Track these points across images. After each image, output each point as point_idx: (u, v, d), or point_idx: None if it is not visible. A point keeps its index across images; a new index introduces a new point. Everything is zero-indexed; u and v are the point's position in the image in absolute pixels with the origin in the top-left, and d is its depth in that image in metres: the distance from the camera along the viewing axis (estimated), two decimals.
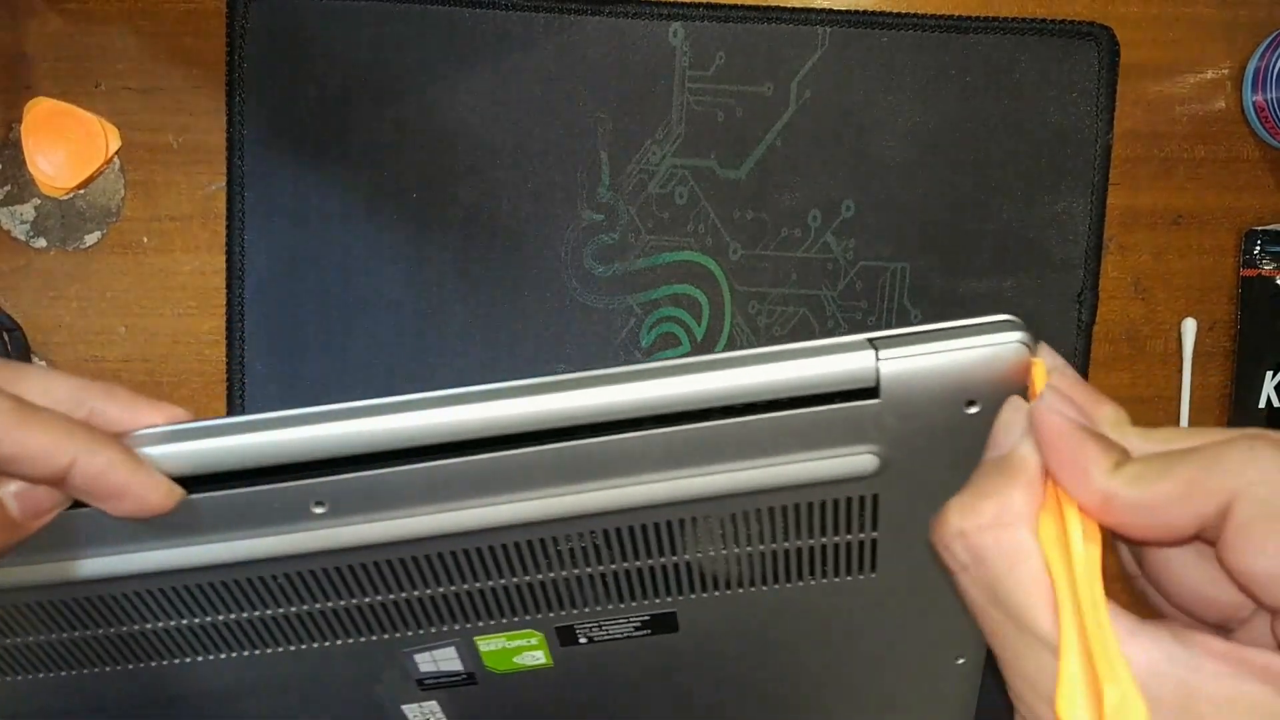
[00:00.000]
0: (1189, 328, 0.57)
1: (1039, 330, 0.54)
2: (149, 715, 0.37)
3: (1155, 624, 0.22)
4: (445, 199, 0.52)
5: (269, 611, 0.33)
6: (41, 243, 0.52)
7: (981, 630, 0.23)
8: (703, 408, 0.28)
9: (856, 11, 0.53)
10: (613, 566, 0.33)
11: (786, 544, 0.33)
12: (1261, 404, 0.58)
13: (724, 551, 0.33)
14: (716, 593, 0.35)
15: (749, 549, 0.33)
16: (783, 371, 0.28)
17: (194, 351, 0.53)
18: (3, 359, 0.28)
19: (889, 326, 0.54)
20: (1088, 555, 0.22)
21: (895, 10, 0.53)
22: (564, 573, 0.33)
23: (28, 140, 0.50)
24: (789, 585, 0.35)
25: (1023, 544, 0.22)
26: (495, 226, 0.53)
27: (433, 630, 0.35)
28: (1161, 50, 0.56)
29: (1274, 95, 0.55)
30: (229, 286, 0.52)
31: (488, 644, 0.36)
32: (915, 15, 0.53)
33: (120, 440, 0.27)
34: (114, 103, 0.51)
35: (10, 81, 0.51)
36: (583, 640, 0.36)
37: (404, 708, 0.39)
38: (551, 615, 0.35)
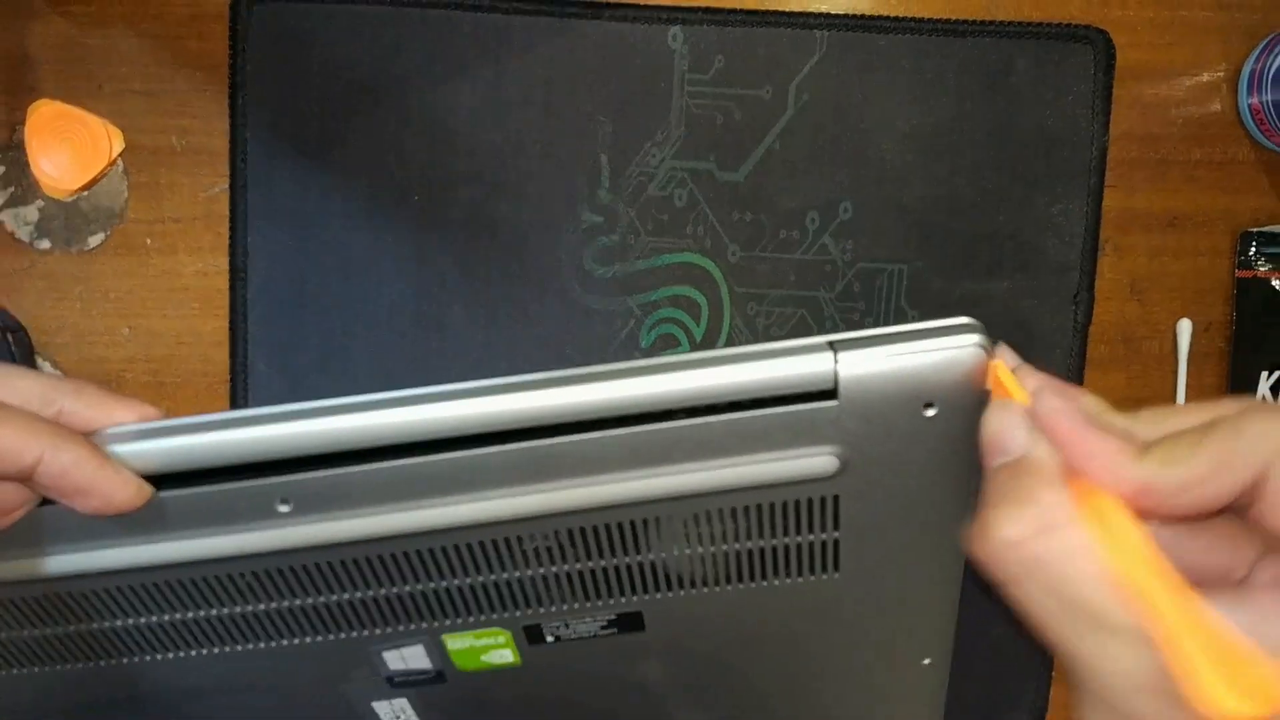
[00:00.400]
0: (1184, 329, 0.57)
1: (1035, 331, 0.55)
2: (117, 712, 0.37)
3: (1213, 590, 0.22)
4: (446, 201, 0.53)
5: (236, 609, 0.33)
6: (45, 244, 0.52)
7: (1048, 637, 0.23)
8: (664, 409, 0.28)
9: (854, 15, 0.53)
10: (578, 565, 0.33)
11: (750, 544, 0.33)
12: None
13: (688, 551, 0.33)
14: (682, 592, 0.35)
15: (712, 549, 0.33)
16: (742, 373, 0.28)
17: (197, 352, 0.53)
18: None
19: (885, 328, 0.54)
20: (1145, 539, 0.22)
21: (893, 14, 0.54)
22: (529, 571, 0.33)
23: (31, 142, 0.51)
24: (753, 585, 0.35)
25: (1080, 541, 0.22)
26: (496, 228, 0.53)
27: (400, 628, 0.35)
28: (1157, 53, 0.56)
29: (1269, 98, 0.55)
30: (232, 287, 0.52)
31: (456, 642, 0.36)
32: (912, 19, 0.54)
33: (88, 438, 0.27)
34: (117, 105, 0.52)
35: (14, 83, 0.51)
36: (550, 639, 0.36)
37: (374, 705, 0.39)
38: (518, 614, 0.35)
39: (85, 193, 0.52)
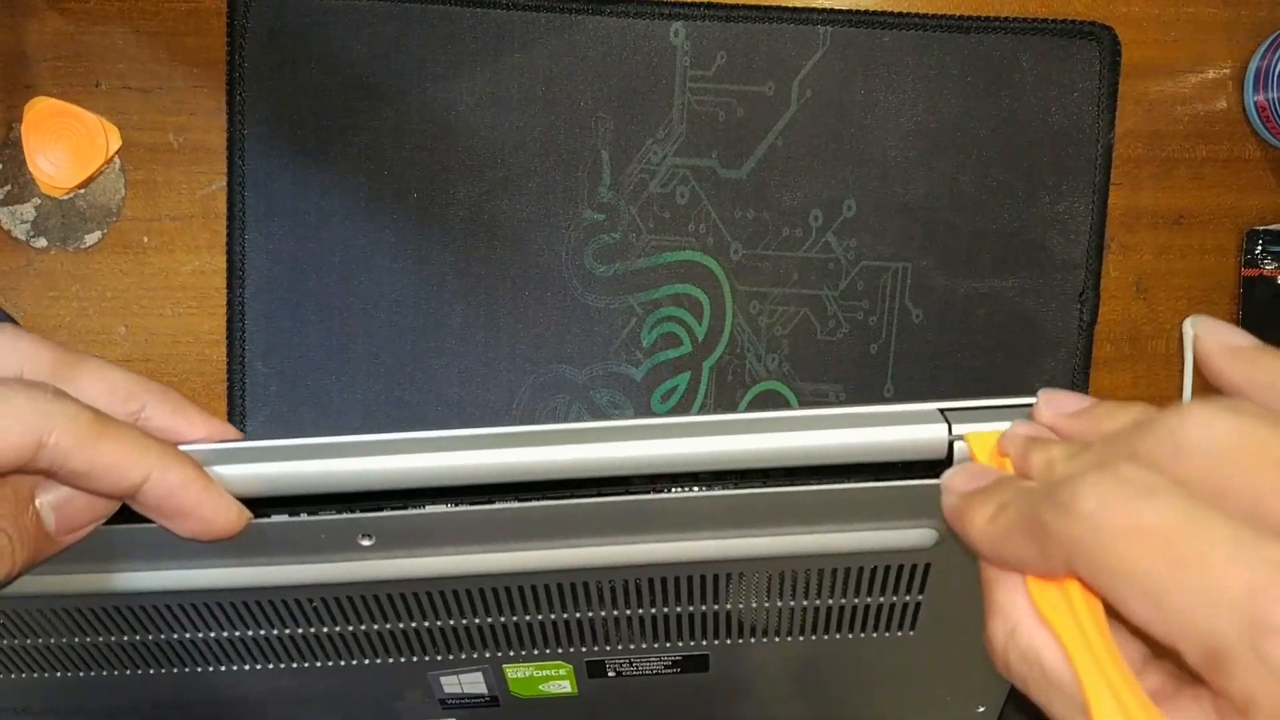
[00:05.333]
0: (1190, 327, 0.57)
1: (1040, 330, 0.54)
2: (168, 717, 0.37)
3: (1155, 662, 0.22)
4: (446, 199, 0.52)
5: (305, 630, 0.33)
6: (42, 242, 0.52)
7: None
8: (762, 467, 0.27)
9: (858, 11, 0.53)
10: (652, 610, 0.33)
11: (829, 601, 0.33)
12: None
13: (766, 605, 0.33)
14: (752, 640, 0.35)
15: (791, 603, 0.33)
16: (850, 438, 0.27)
17: (195, 351, 0.53)
18: (62, 345, 0.27)
19: (890, 326, 0.54)
20: (1090, 608, 0.22)
21: (897, 10, 0.53)
22: (601, 612, 0.33)
23: (28, 140, 0.50)
24: (825, 638, 0.35)
25: (1039, 637, 0.22)
26: (496, 226, 0.52)
27: (462, 656, 0.35)
28: (1163, 50, 0.56)
29: (1275, 95, 0.55)
30: (229, 286, 0.52)
31: (516, 672, 0.36)
32: (917, 15, 0.53)
33: (192, 458, 0.26)
34: (114, 102, 0.51)
35: (11, 81, 0.51)
36: (611, 674, 0.36)
37: None
38: (584, 650, 0.35)
39: (82, 190, 0.52)
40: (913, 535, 0.29)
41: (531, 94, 0.52)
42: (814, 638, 0.35)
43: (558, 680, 0.36)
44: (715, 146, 0.53)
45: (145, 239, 0.52)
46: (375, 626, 0.33)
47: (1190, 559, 0.18)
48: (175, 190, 0.52)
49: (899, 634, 0.35)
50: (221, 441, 0.27)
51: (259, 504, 0.27)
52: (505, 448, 0.27)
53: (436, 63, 0.51)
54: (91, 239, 0.52)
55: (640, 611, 0.33)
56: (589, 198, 0.53)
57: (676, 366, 0.54)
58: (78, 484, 0.25)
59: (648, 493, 0.28)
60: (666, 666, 0.36)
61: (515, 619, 0.33)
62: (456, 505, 0.28)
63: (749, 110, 0.53)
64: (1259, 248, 0.57)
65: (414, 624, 0.33)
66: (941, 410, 0.27)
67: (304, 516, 0.28)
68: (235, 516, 0.26)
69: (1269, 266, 0.57)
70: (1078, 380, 0.55)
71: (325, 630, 0.33)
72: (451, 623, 0.33)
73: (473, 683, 0.36)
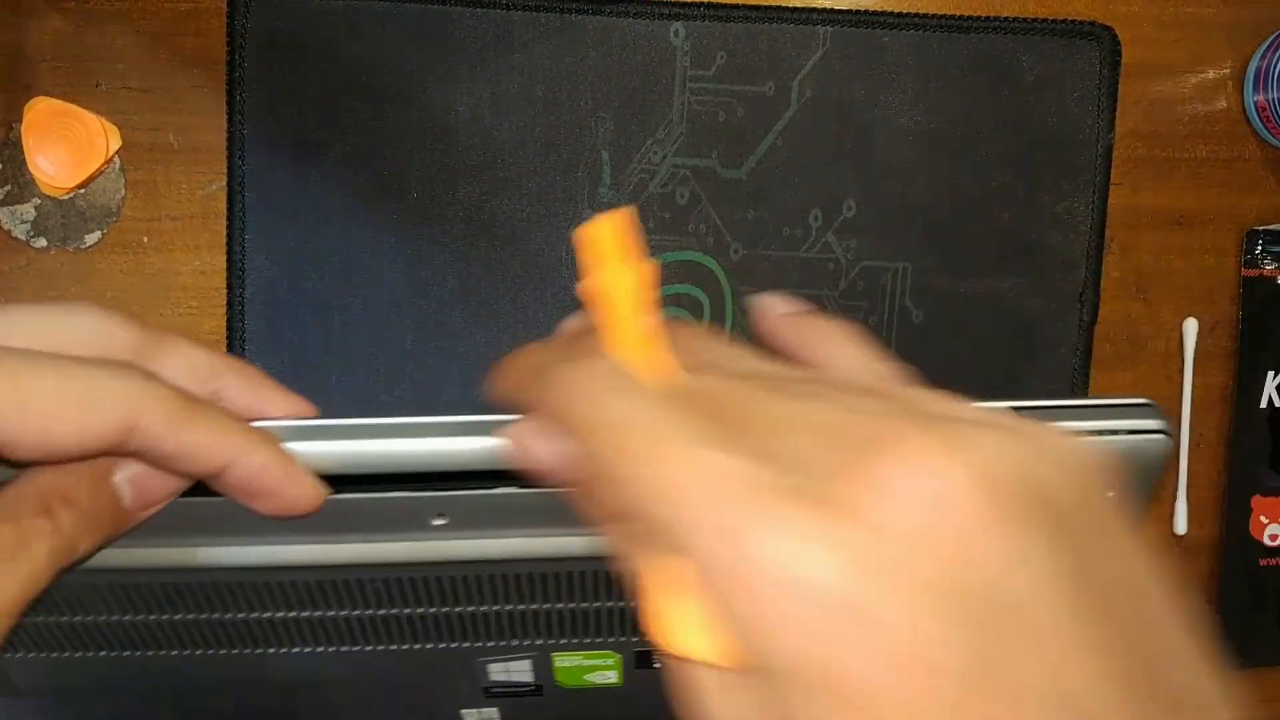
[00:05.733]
0: (1190, 328, 0.57)
1: (1040, 330, 0.54)
2: (206, 696, 0.37)
3: None
4: (446, 199, 0.52)
5: (365, 612, 0.33)
6: (42, 242, 0.52)
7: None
8: None
9: (858, 11, 0.53)
10: None
11: None
12: (1263, 404, 0.58)
13: None
14: None
15: None
16: None
17: None
18: (142, 322, 0.27)
19: (890, 326, 0.54)
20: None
21: (896, 10, 0.53)
22: None
23: (28, 140, 0.50)
24: None
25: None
26: (496, 226, 0.52)
27: (515, 643, 0.35)
28: (1163, 50, 0.56)
29: (1275, 95, 0.55)
30: (229, 286, 0.52)
31: (564, 660, 0.36)
32: (916, 15, 0.53)
33: (274, 439, 0.26)
34: (114, 102, 0.51)
35: (10, 81, 0.51)
36: (658, 665, 0.36)
37: (463, 712, 0.39)
38: (635, 639, 0.35)
39: (82, 190, 0.52)
40: None
41: (531, 94, 0.52)
42: None
43: (604, 670, 0.36)
44: (715, 147, 0.53)
45: (145, 239, 0.52)
46: (434, 610, 0.33)
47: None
48: (175, 190, 0.52)
49: None
50: (298, 418, 0.27)
51: (334, 481, 0.27)
52: None
53: (437, 63, 0.51)
54: (91, 239, 0.52)
55: None
56: (589, 198, 0.53)
57: None
58: (164, 466, 0.25)
59: None
60: None
61: (573, 605, 0.33)
62: (532, 488, 0.28)
63: (749, 110, 0.53)
64: (1259, 248, 0.57)
65: (473, 608, 0.33)
66: (1015, 408, 0.27)
67: (379, 493, 0.28)
68: (314, 494, 0.26)
69: (1269, 266, 0.57)
70: (1077, 380, 0.55)
71: (385, 612, 0.33)
72: (510, 608, 0.33)
73: (520, 670, 0.36)
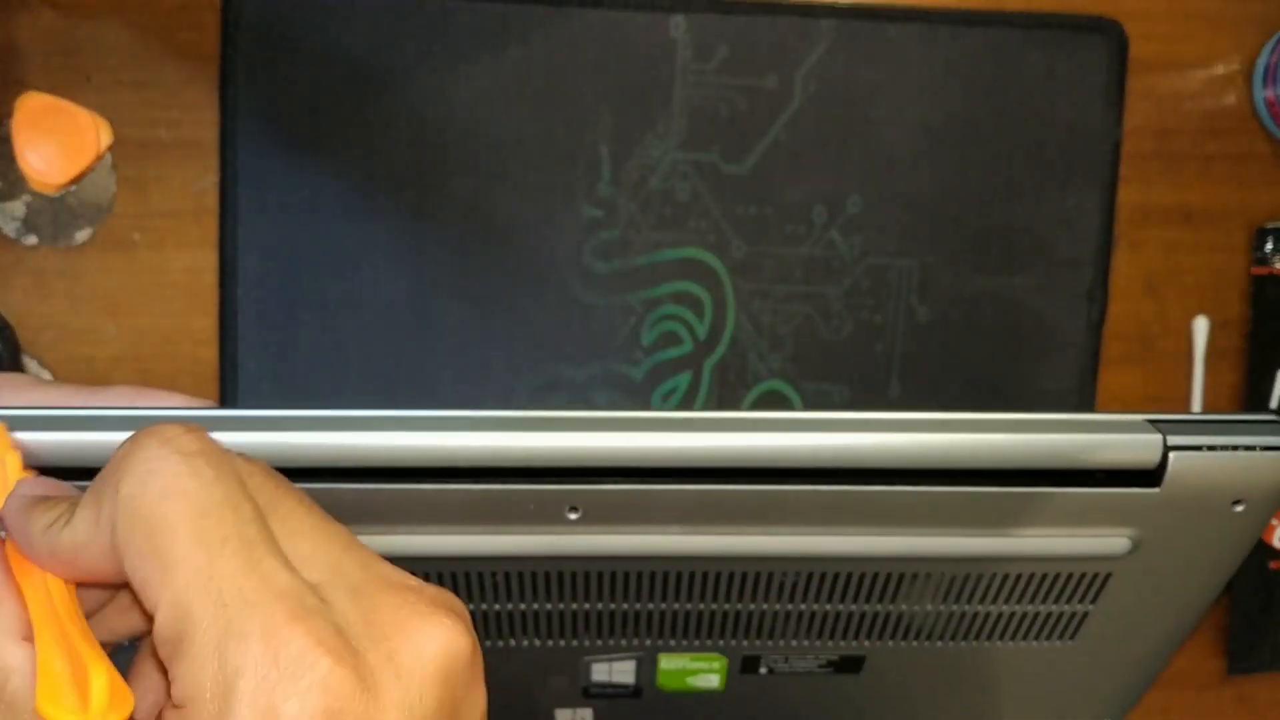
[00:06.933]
0: (1200, 326, 0.57)
1: (1048, 328, 0.54)
2: None
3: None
4: (442, 194, 0.52)
5: (490, 606, 0.33)
6: (32, 240, 0.51)
7: None
8: (968, 468, 0.28)
9: (862, 4, 0.53)
10: (826, 607, 0.33)
11: (1002, 608, 0.33)
12: (1274, 403, 0.57)
13: (940, 608, 0.33)
14: (914, 643, 0.35)
15: (965, 608, 0.33)
16: (1059, 445, 0.27)
17: (186, 350, 0.52)
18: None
19: (895, 325, 0.54)
20: (64, 591, 0.23)
21: (902, 3, 0.53)
22: (775, 606, 0.33)
23: (18, 136, 0.50)
24: (982, 644, 0.35)
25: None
26: (493, 222, 0.52)
27: (624, 642, 0.35)
28: (1171, 45, 0.56)
29: None
30: (221, 284, 0.51)
31: (670, 662, 0.36)
32: (922, 8, 0.53)
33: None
34: (105, 97, 0.51)
35: (1, 76, 0.50)
36: (763, 670, 0.36)
37: (557, 711, 0.39)
38: (744, 643, 0.35)
39: (73, 187, 0.51)
40: (1105, 543, 0.30)
41: (529, 88, 0.51)
42: (971, 643, 0.35)
43: (708, 674, 0.36)
44: (717, 141, 0.52)
45: (136, 236, 0.52)
46: (553, 606, 0.33)
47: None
48: (167, 186, 0.52)
49: (1056, 643, 0.35)
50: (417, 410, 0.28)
51: (473, 473, 0.28)
52: (719, 432, 0.27)
53: (432, 56, 0.51)
54: (82, 236, 0.51)
55: (814, 607, 0.33)
56: (588, 193, 0.52)
57: (677, 366, 0.53)
58: None
59: (861, 484, 0.28)
60: (820, 666, 0.36)
61: (689, 606, 0.33)
62: (671, 484, 0.28)
63: (751, 104, 0.52)
64: (1269, 245, 0.57)
65: (590, 605, 0.33)
66: (1151, 421, 0.28)
67: (515, 485, 0.28)
68: None
69: (1279, 264, 0.57)
70: (1086, 379, 0.55)
71: (508, 607, 0.33)
72: (625, 606, 0.33)
73: (623, 671, 0.36)
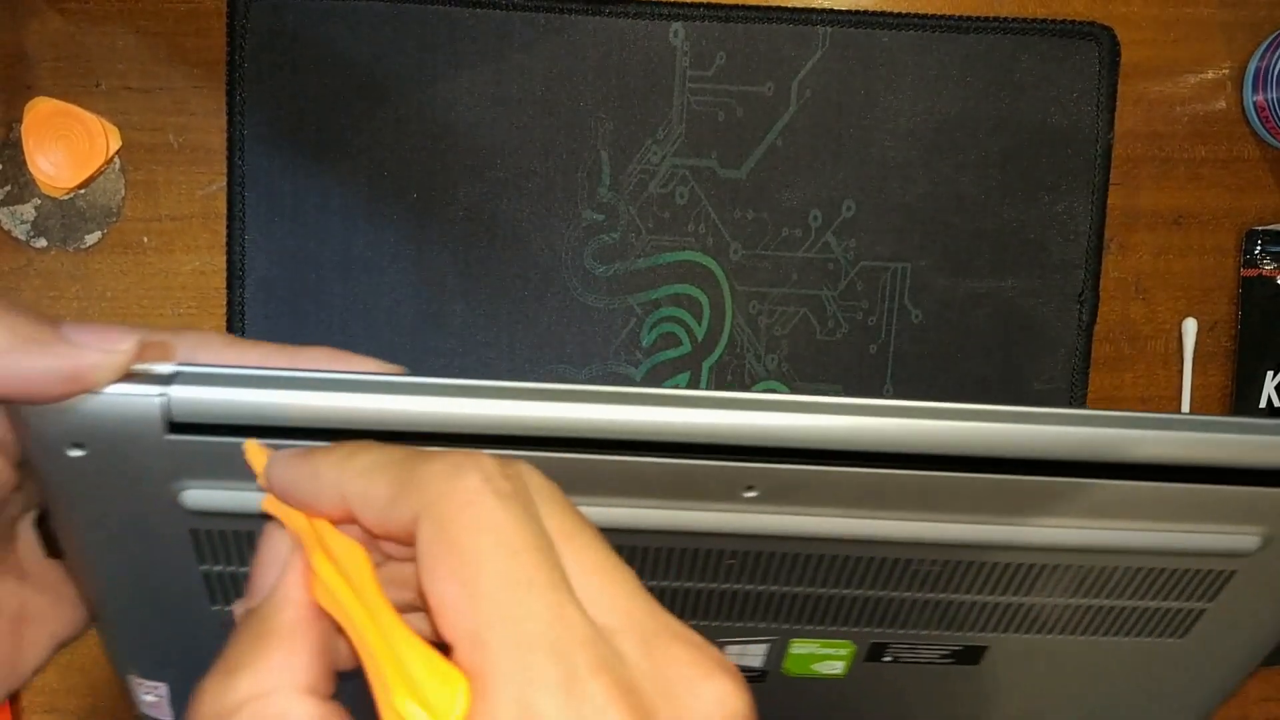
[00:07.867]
0: (1189, 328, 0.57)
1: (1039, 330, 0.54)
2: None
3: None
4: (446, 199, 0.52)
5: (645, 581, 0.33)
6: (42, 243, 0.52)
7: None
8: (1115, 462, 0.28)
9: (857, 11, 0.53)
10: (962, 596, 0.33)
11: (1127, 602, 0.33)
12: (1262, 404, 0.58)
13: (1069, 601, 0.33)
14: (1031, 635, 0.35)
15: (1090, 601, 0.33)
16: (1199, 444, 0.27)
17: None
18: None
19: (889, 326, 0.54)
20: (363, 570, 0.22)
21: (896, 10, 0.53)
22: (918, 594, 0.33)
23: (28, 140, 0.50)
24: (1096, 638, 0.35)
25: (285, 713, 0.21)
26: (495, 226, 0.52)
27: (761, 625, 0.35)
28: (1162, 50, 0.56)
29: (1274, 95, 0.55)
30: (229, 287, 0.52)
31: (801, 647, 0.36)
32: (916, 15, 0.53)
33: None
34: (114, 102, 0.51)
35: (11, 81, 0.51)
36: (887, 659, 0.36)
37: None
38: (878, 630, 0.35)
39: (82, 191, 0.52)
40: (1234, 540, 0.30)
41: (531, 94, 0.52)
42: (1085, 637, 0.35)
43: (834, 660, 0.36)
44: (715, 147, 0.53)
45: (145, 239, 0.52)
46: (705, 585, 0.33)
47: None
48: (175, 190, 0.52)
49: (1166, 639, 0.35)
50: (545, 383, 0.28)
51: (653, 447, 0.28)
52: (905, 418, 0.27)
53: (436, 63, 0.51)
54: (91, 239, 0.52)
55: (952, 596, 0.33)
56: (588, 198, 0.53)
57: (676, 366, 0.54)
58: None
59: (1023, 473, 0.28)
60: (942, 655, 0.36)
61: (831, 591, 0.33)
62: (848, 467, 0.28)
63: (748, 110, 0.53)
64: (1258, 247, 0.57)
65: (753, 587, 0.33)
66: None
67: (696, 459, 0.28)
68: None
69: (1268, 266, 0.57)
70: (1077, 380, 0.55)
71: (659, 584, 0.33)
72: (774, 589, 0.33)
73: (753, 654, 0.36)
